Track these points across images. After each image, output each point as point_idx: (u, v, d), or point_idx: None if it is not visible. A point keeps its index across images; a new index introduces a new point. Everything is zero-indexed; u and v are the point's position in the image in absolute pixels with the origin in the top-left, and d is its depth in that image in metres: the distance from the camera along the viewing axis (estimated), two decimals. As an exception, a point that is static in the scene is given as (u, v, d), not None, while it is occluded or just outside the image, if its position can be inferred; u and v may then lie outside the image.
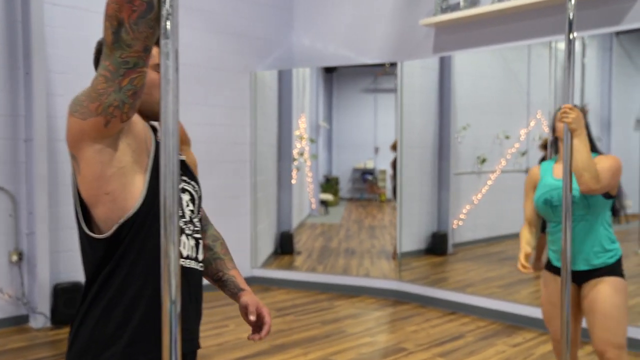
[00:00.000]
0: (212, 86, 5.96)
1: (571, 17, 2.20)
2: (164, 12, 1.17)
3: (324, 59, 6.37)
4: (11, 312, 4.77)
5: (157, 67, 1.48)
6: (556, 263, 2.72)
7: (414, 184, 5.94)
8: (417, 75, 5.84)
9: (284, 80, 6.64)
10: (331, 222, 7.30)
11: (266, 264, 6.50)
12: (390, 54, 5.83)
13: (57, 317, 4.79)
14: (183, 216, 1.47)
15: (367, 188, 7.34)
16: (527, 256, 2.66)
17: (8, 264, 4.74)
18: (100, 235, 1.38)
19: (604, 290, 2.57)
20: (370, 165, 7.30)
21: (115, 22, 1.23)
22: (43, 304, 4.75)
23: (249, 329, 1.84)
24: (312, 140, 6.90)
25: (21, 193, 4.76)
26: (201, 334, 1.61)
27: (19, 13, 4.76)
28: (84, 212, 1.41)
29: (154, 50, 1.49)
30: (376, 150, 7.18)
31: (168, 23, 1.17)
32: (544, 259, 2.98)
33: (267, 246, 6.72)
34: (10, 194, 4.72)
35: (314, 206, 7.28)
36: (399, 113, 5.78)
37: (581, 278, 2.66)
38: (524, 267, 2.63)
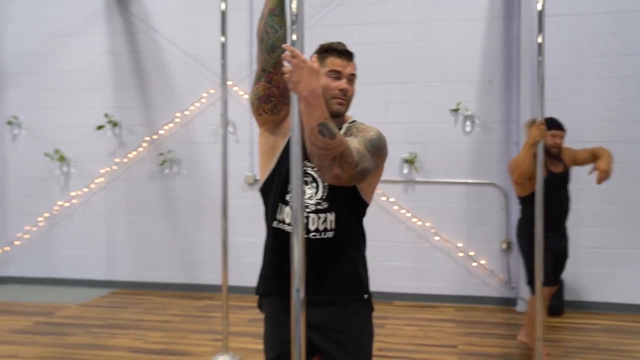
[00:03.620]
0: None
1: None
2: (289, 24, 1.64)
3: None
4: (501, 294, 5.46)
5: (329, 74, 1.92)
6: None
7: None
8: None
9: None
10: None
11: None
12: None
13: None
14: (289, 190, 1.89)
15: None
16: None
17: (500, 251, 5.45)
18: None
19: None
20: None
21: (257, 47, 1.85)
22: (526, 290, 5.21)
23: None
24: None
25: (512, 189, 5.36)
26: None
27: (516, 30, 5.38)
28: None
29: (329, 59, 1.92)
30: None
31: (294, 36, 1.63)
32: None
33: None
34: (502, 190, 5.42)
35: None
36: None
37: None
38: None
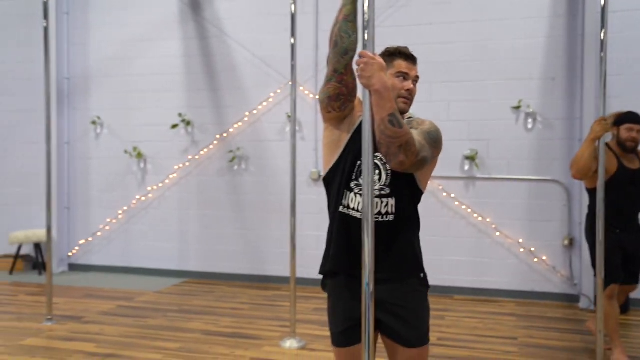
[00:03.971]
0: None
1: None
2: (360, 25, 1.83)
3: None
4: (563, 290, 5.47)
5: (397, 75, 2.09)
6: None
7: None
8: None
9: None
10: None
11: None
12: None
13: (602, 303, 5.16)
14: (355, 179, 2.07)
15: None
16: None
17: (562, 247, 5.46)
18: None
19: None
20: None
21: (329, 50, 2.01)
22: (588, 287, 5.22)
23: None
24: None
25: (575, 186, 5.37)
26: None
27: (580, 27, 5.38)
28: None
29: (396, 62, 2.10)
30: None
31: (366, 36, 1.82)
32: None
33: None
34: (565, 186, 5.43)
35: None
36: None
37: None
38: None
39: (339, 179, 2.13)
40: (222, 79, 6.41)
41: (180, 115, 6.49)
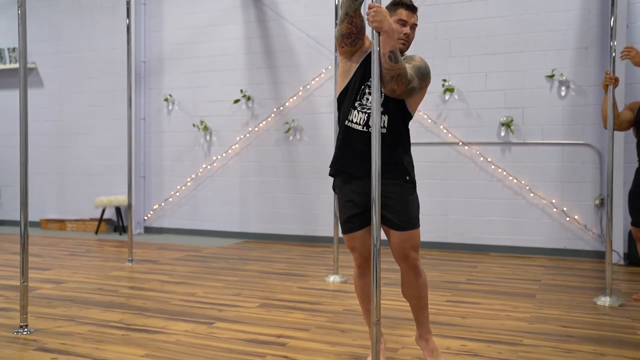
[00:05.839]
0: None
1: None
2: None
3: None
4: (594, 247, 5.78)
5: (398, 22, 2.58)
6: None
7: None
8: None
9: None
10: None
11: None
12: None
13: (631, 259, 5.46)
14: (359, 100, 2.56)
15: None
16: None
17: (593, 207, 5.78)
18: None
19: None
20: None
21: None
22: (618, 243, 5.52)
23: None
24: None
25: (606, 149, 5.66)
26: None
27: (612, -2, 5.68)
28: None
29: (399, 11, 2.59)
30: None
31: None
32: None
33: None
34: (596, 149, 5.74)
35: None
36: None
37: None
38: None
39: (347, 99, 2.62)
40: (279, 57, 7.07)
41: (241, 91, 7.21)
